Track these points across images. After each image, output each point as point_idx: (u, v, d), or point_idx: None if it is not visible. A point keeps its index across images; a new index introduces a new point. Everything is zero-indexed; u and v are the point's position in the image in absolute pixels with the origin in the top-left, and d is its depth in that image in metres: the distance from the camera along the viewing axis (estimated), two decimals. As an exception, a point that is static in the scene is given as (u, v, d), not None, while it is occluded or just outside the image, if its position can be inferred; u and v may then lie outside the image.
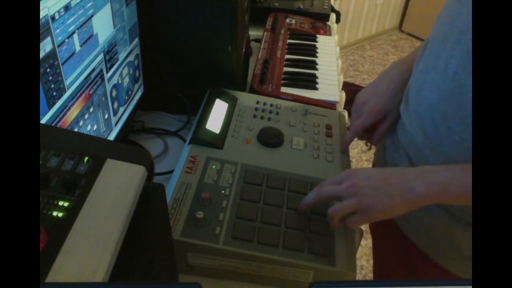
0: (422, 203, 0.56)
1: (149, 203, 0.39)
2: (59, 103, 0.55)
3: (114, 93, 0.74)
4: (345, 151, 0.78)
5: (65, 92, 0.56)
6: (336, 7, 1.51)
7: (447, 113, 0.60)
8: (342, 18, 2.03)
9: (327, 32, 1.27)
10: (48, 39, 0.50)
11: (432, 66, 0.63)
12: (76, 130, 0.61)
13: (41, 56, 0.49)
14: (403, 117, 0.71)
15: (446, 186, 0.54)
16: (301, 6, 1.36)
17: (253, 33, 1.22)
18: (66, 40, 0.54)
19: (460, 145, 0.59)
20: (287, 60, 1.07)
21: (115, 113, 0.76)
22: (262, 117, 0.82)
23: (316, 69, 1.05)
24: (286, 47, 1.13)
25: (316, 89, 0.96)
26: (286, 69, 1.03)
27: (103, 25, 0.65)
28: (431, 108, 0.63)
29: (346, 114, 0.90)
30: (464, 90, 0.56)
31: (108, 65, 0.69)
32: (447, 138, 0.60)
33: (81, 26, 0.58)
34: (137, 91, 0.87)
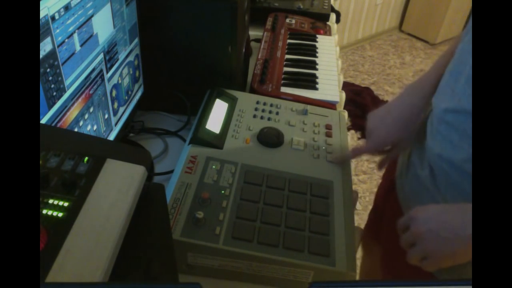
0: None
1: (149, 203, 0.39)
2: (59, 103, 0.55)
3: (114, 93, 0.74)
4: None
5: (65, 92, 0.56)
6: (336, 7, 1.51)
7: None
8: (342, 18, 2.03)
9: (327, 32, 1.27)
10: (48, 39, 0.50)
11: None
12: (76, 130, 0.61)
13: (41, 56, 0.49)
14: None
15: None
16: (301, 6, 1.36)
17: (253, 33, 1.22)
18: (66, 40, 0.54)
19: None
20: (287, 60, 1.07)
21: (115, 113, 0.76)
22: (262, 117, 0.82)
23: (316, 69, 1.05)
24: (286, 47, 1.13)
25: (316, 89, 0.96)
26: (286, 69, 1.03)
27: (103, 25, 0.65)
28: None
29: (346, 114, 0.90)
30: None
31: (108, 65, 0.69)
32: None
33: (81, 26, 0.58)
34: (137, 91, 0.87)
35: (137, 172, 0.38)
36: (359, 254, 1.80)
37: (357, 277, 0.67)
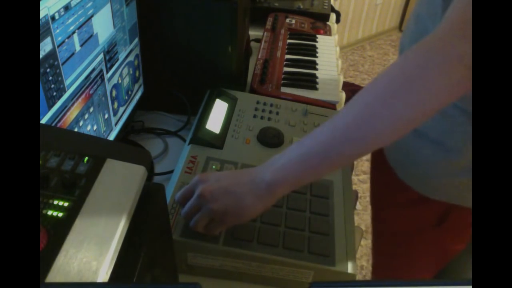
0: (276, 194, 0.52)
1: (149, 203, 0.39)
2: (59, 103, 0.55)
3: (114, 93, 0.74)
4: None
5: (65, 92, 0.56)
6: (336, 7, 1.51)
7: None
8: (342, 18, 2.03)
9: (327, 32, 1.27)
10: (48, 39, 0.50)
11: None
12: (76, 130, 0.61)
13: (41, 56, 0.49)
14: None
15: (288, 165, 0.52)
16: (301, 6, 1.36)
17: (253, 33, 1.22)
18: (66, 40, 0.54)
19: None
20: (287, 60, 1.07)
21: (115, 113, 0.76)
22: (262, 117, 0.82)
23: (316, 69, 1.05)
24: (286, 47, 1.13)
25: (316, 89, 0.96)
26: (286, 69, 1.03)
27: (103, 25, 0.65)
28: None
29: (346, 114, 0.90)
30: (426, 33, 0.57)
31: (108, 65, 0.69)
32: None
33: (81, 26, 0.58)
34: (137, 91, 0.87)
35: (137, 172, 0.38)
36: (359, 254, 1.80)
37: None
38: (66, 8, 0.53)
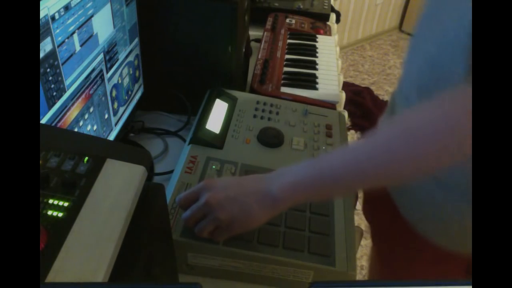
0: (280, 208, 0.53)
1: (149, 203, 0.39)
2: (59, 103, 0.55)
3: (114, 93, 0.74)
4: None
5: (65, 92, 0.56)
6: (336, 7, 1.51)
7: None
8: (342, 18, 2.03)
9: (327, 32, 1.27)
10: (48, 39, 0.50)
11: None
12: (76, 130, 0.61)
13: (41, 56, 0.49)
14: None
15: (296, 185, 0.52)
16: (301, 6, 1.36)
17: (253, 33, 1.22)
18: (66, 40, 0.54)
19: None
20: (287, 60, 1.07)
21: (115, 113, 0.76)
22: (262, 117, 0.82)
23: (316, 69, 1.05)
24: (286, 47, 1.13)
25: (316, 89, 0.96)
26: (286, 69, 1.03)
27: (103, 25, 0.65)
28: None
29: (346, 114, 0.90)
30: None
31: (108, 65, 0.69)
32: None
33: (81, 26, 0.58)
34: (137, 91, 0.87)
35: (137, 172, 0.38)
36: (359, 254, 1.80)
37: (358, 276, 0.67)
38: (66, 8, 0.53)
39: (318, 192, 0.53)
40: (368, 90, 1.95)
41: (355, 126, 1.71)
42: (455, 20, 0.56)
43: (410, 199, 0.73)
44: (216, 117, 0.78)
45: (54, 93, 0.53)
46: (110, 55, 0.69)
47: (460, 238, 0.69)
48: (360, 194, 1.11)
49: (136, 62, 0.84)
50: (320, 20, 1.33)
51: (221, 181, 0.58)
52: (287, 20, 1.27)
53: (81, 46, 0.58)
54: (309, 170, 0.52)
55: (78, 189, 0.35)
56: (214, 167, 0.68)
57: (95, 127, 0.68)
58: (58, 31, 0.52)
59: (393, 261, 0.88)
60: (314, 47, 1.15)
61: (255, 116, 0.82)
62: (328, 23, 1.33)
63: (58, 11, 0.51)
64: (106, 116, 0.72)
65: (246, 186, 0.55)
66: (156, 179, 0.79)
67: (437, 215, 0.70)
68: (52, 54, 0.51)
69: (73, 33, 0.56)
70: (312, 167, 0.53)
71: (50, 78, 0.52)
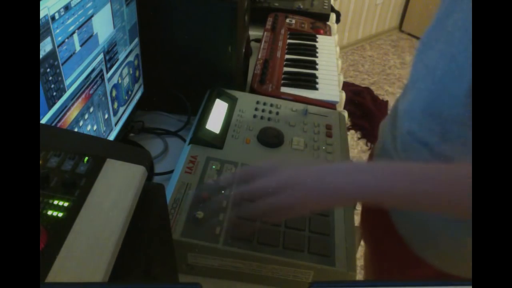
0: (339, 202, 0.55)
1: (149, 203, 0.39)
2: (59, 103, 0.55)
3: (114, 93, 0.74)
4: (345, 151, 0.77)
5: (65, 92, 0.56)
6: (336, 7, 1.51)
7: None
8: (342, 18, 2.03)
9: (327, 32, 1.27)
10: (48, 39, 0.50)
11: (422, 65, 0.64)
12: (76, 130, 0.61)
13: (41, 56, 0.49)
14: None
15: (365, 185, 0.50)
16: (301, 6, 1.36)
17: (253, 33, 1.22)
18: (66, 40, 0.54)
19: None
20: (287, 60, 1.07)
21: (115, 113, 0.76)
22: (262, 117, 0.82)
23: (316, 69, 1.05)
24: (286, 47, 1.13)
25: (316, 89, 0.96)
26: (286, 69, 1.03)
27: (103, 25, 0.65)
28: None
29: (346, 114, 0.90)
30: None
31: (108, 65, 0.69)
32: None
33: (81, 26, 0.58)
34: (137, 91, 0.87)
35: (137, 172, 0.38)
36: (359, 254, 1.80)
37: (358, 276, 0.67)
38: (66, 8, 0.53)
39: (375, 199, 0.51)
40: (368, 90, 1.95)
41: (355, 126, 1.71)
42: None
43: (408, 222, 0.73)
44: (216, 117, 0.78)
45: (54, 93, 0.53)
46: (110, 55, 0.69)
47: (455, 261, 0.68)
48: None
49: (136, 62, 0.84)
50: (320, 20, 1.33)
51: (290, 162, 0.55)
52: (287, 20, 1.27)
53: (81, 46, 0.58)
54: (400, 180, 0.49)
55: (78, 189, 0.35)
56: (214, 167, 0.68)
57: (95, 127, 0.68)
58: (58, 31, 0.52)
59: (385, 272, 0.87)
60: (314, 47, 1.15)
61: (255, 116, 0.82)
62: (328, 23, 1.33)
63: (58, 11, 0.51)
64: (106, 116, 0.72)
65: (315, 171, 0.52)
66: (156, 179, 0.79)
67: (434, 241, 0.70)
68: (52, 54, 0.51)
69: (73, 33, 0.56)
70: (407, 177, 0.49)
71: (50, 78, 0.52)
